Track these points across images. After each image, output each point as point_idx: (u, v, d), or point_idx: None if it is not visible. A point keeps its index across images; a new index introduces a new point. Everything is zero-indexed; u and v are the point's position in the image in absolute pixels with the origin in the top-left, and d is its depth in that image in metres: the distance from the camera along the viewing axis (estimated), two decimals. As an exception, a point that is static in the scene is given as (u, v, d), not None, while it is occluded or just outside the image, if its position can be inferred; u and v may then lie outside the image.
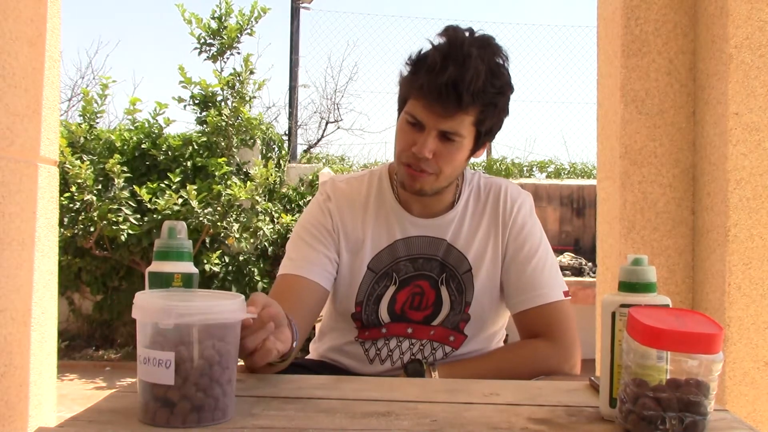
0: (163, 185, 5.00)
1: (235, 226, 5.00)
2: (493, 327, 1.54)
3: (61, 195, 4.42)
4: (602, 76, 2.38)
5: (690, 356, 0.85)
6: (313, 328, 1.63)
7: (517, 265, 1.48)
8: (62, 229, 4.76)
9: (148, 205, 4.88)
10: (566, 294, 1.47)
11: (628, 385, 0.88)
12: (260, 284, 5.31)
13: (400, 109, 1.44)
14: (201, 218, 4.83)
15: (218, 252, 5.21)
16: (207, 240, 5.21)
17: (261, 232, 5.17)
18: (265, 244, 5.40)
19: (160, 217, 4.81)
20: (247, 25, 5.20)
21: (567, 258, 4.95)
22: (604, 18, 2.36)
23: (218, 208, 4.90)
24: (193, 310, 0.88)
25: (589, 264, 4.85)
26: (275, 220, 5.39)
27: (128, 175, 4.99)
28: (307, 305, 1.42)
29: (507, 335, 1.62)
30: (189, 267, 1.10)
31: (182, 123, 6.82)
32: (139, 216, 4.96)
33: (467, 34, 1.36)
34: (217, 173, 5.02)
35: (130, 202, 4.93)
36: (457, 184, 1.52)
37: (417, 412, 1.00)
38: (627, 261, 0.98)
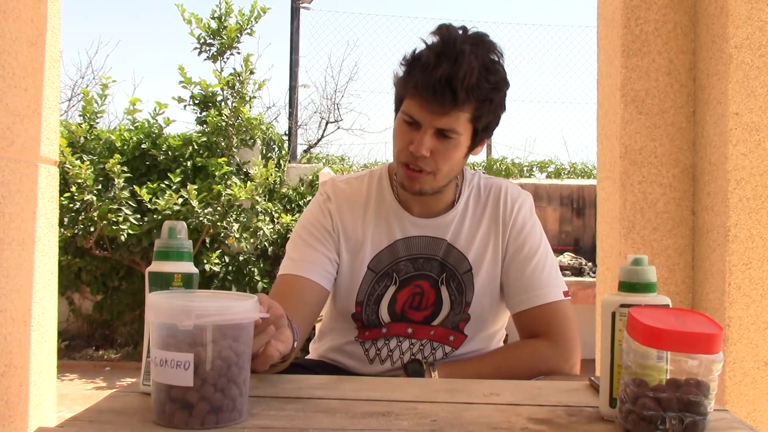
0: (163, 185, 5.00)
1: (235, 226, 5.00)
2: (493, 327, 1.55)
3: (61, 195, 4.42)
4: (602, 76, 2.38)
5: (690, 356, 0.85)
6: (313, 328, 1.63)
7: (517, 265, 1.48)
8: (62, 229, 4.76)
9: (148, 205, 4.88)
10: (566, 294, 1.47)
11: (628, 385, 0.88)
12: (260, 284, 5.31)
13: (396, 110, 1.44)
14: (201, 218, 4.83)
15: (218, 252, 5.21)
16: (207, 240, 5.21)
17: (261, 232, 5.17)
18: (265, 244, 5.40)
19: (160, 217, 4.81)
20: (247, 25, 5.20)
21: (567, 258, 4.95)
22: (604, 18, 2.36)
23: (218, 208, 4.90)
24: (212, 311, 0.88)
25: (589, 264, 4.85)
26: (275, 220, 5.39)
27: (128, 175, 4.99)
28: (307, 305, 1.42)
29: (507, 335, 1.62)
30: (189, 267, 1.09)
31: (182, 123, 6.82)
32: (139, 216, 4.96)
33: (460, 32, 1.36)
34: (217, 173, 5.02)
35: (130, 202, 4.93)
36: (457, 184, 1.52)
37: (417, 412, 1.00)
38: (627, 261, 0.98)
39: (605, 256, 2.34)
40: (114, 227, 4.82)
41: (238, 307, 0.91)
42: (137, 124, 5.46)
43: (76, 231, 4.88)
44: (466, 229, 1.50)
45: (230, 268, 5.35)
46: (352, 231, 1.51)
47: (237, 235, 5.01)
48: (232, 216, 4.99)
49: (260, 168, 4.99)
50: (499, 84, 1.37)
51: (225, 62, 5.25)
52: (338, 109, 8.20)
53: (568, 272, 4.78)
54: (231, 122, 5.17)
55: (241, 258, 5.39)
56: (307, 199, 5.57)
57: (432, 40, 1.36)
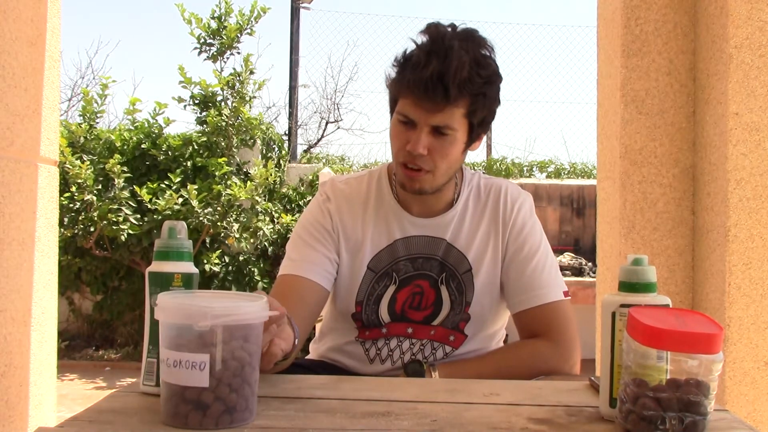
0: (163, 185, 5.00)
1: (235, 226, 5.00)
2: (493, 327, 1.55)
3: (61, 195, 4.42)
4: (602, 76, 2.38)
5: (690, 356, 0.85)
6: (314, 328, 1.63)
7: (517, 265, 1.48)
8: (62, 229, 4.76)
9: (148, 205, 4.88)
10: (566, 294, 1.47)
11: (628, 385, 0.88)
12: (260, 284, 5.31)
13: (391, 111, 1.44)
14: (201, 218, 4.83)
15: (218, 252, 5.21)
16: (207, 240, 5.21)
17: (261, 232, 5.17)
18: (265, 244, 5.40)
19: (160, 217, 4.81)
20: (247, 25, 5.19)
21: (567, 258, 4.95)
22: (604, 18, 2.36)
23: (218, 208, 4.90)
24: (228, 311, 0.88)
25: (589, 264, 4.85)
26: (275, 220, 5.39)
27: (128, 175, 4.99)
28: (307, 305, 1.42)
29: (507, 335, 1.62)
30: (189, 267, 1.10)
31: (182, 123, 6.82)
32: (139, 216, 4.96)
33: (449, 29, 1.37)
34: (217, 173, 5.02)
35: (130, 202, 4.93)
36: (456, 183, 1.52)
37: (417, 412, 1.00)
38: (627, 261, 0.98)
39: (605, 256, 2.34)
40: (114, 227, 4.82)
41: (251, 307, 0.92)
42: (137, 124, 5.46)
43: (76, 231, 4.88)
44: (466, 228, 1.50)
45: (230, 268, 5.35)
46: (352, 231, 1.51)
47: (237, 235, 5.02)
48: (232, 216, 4.99)
49: (260, 168, 4.99)
50: (492, 78, 1.37)
51: (225, 62, 5.26)
52: (338, 109, 8.21)
53: (568, 272, 4.78)
54: (231, 122, 5.17)
55: (241, 258, 5.39)
56: (307, 199, 5.57)
57: (421, 39, 1.36)
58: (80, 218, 4.87)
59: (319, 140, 8.12)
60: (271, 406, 1.01)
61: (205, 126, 5.24)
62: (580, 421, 0.98)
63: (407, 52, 1.38)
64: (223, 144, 5.24)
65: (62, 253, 4.94)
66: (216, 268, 5.18)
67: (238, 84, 5.15)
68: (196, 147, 5.36)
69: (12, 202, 1.71)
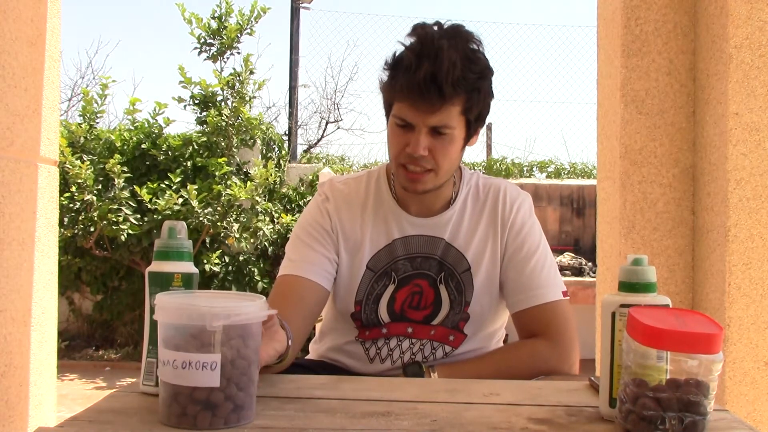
0: (163, 185, 5.00)
1: (235, 226, 5.00)
2: (492, 326, 1.55)
3: (61, 195, 4.42)
4: (602, 76, 2.38)
5: (690, 356, 0.85)
6: (314, 328, 1.63)
7: (515, 265, 1.48)
8: (62, 229, 4.76)
9: (148, 205, 4.88)
10: (565, 294, 1.48)
11: (628, 385, 0.88)
12: (260, 284, 5.31)
13: (387, 114, 1.45)
14: (201, 218, 4.83)
15: (218, 252, 5.21)
16: (207, 240, 5.21)
17: (261, 232, 5.17)
18: (265, 244, 5.40)
19: (160, 217, 4.81)
20: (247, 25, 5.20)
21: (567, 258, 4.95)
22: (604, 18, 2.36)
23: (218, 208, 4.90)
24: (233, 311, 0.89)
25: (589, 264, 4.85)
26: (275, 220, 5.39)
27: (128, 175, 4.99)
28: (307, 305, 1.42)
29: (507, 335, 1.62)
30: (189, 267, 1.10)
31: (182, 123, 6.83)
32: (139, 216, 4.96)
33: (435, 27, 1.37)
34: (217, 173, 5.02)
35: (130, 202, 4.93)
36: (454, 182, 1.52)
37: (417, 412, 1.00)
38: (627, 261, 0.98)
39: (605, 256, 2.34)
40: (114, 227, 4.82)
41: (253, 306, 0.92)
42: (137, 124, 5.46)
43: (76, 231, 4.88)
44: (465, 228, 1.51)
45: (230, 268, 5.35)
46: (351, 231, 1.51)
47: (237, 235, 5.02)
48: (232, 216, 4.99)
49: (260, 168, 4.99)
50: (484, 72, 1.38)
51: (225, 62, 5.26)
52: (338, 109, 8.21)
53: (568, 272, 4.78)
54: (231, 122, 5.17)
55: (241, 258, 5.39)
56: (307, 199, 5.57)
57: (409, 41, 1.36)
58: (80, 218, 4.87)
59: (319, 140, 8.13)
60: (271, 406, 1.01)
61: (205, 126, 5.24)
62: (580, 421, 0.98)
63: (397, 55, 1.38)
64: (223, 144, 5.24)
65: (62, 253, 4.94)
66: (216, 268, 5.18)
67: (238, 84, 5.15)
68: (196, 147, 5.36)
69: (12, 202, 1.71)
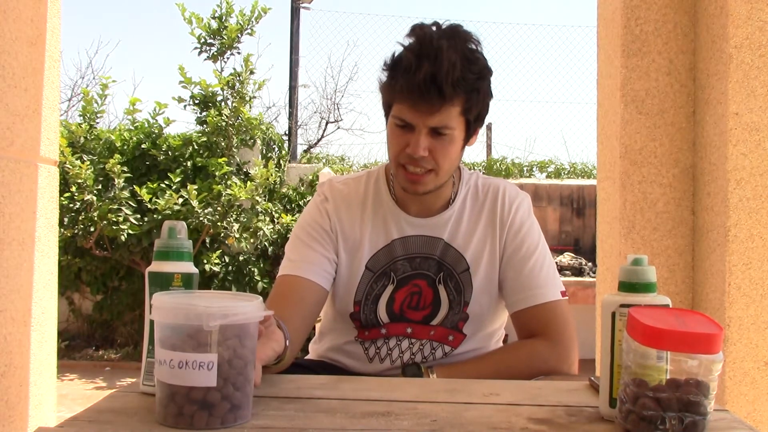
0: (163, 185, 5.00)
1: (235, 226, 5.00)
2: (491, 326, 1.55)
3: (61, 195, 4.42)
4: (602, 76, 2.38)
5: (690, 356, 0.85)
6: (313, 328, 1.63)
7: (514, 265, 1.48)
8: (62, 229, 4.76)
9: (148, 205, 4.88)
10: (563, 294, 1.48)
11: (628, 385, 0.88)
12: (260, 284, 5.31)
13: (386, 115, 1.45)
14: (201, 218, 4.83)
15: (218, 252, 5.21)
16: (207, 240, 5.21)
17: (261, 232, 5.17)
18: (265, 244, 5.40)
19: (160, 217, 4.81)
20: (248, 25, 5.20)
21: (567, 258, 4.95)
22: (604, 18, 2.36)
23: (218, 208, 4.90)
24: (236, 311, 0.90)
25: (589, 264, 4.85)
26: (275, 220, 5.39)
27: (128, 175, 4.99)
28: (307, 305, 1.42)
29: (507, 335, 1.62)
30: (189, 267, 1.10)
31: (182, 123, 6.83)
32: (139, 216, 4.96)
33: (434, 28, 1.37)
34: (217, 173, 5.02)
35: (130, 202, 4.93)
36: (453, 182, 1.52)
37: (417, 412, 1.00)
38: (627, 261, 0.98)
39: (605, 256, 2.34)
40: (114, 227, 4.82)
41: (250, 307, 0.93)
42: (137, 124, 5.46)
43: (76, 231, 4.88)
44: (464, 228, 1.51)
45: (230, 268, 5.35)
46: (350, 231, 1.51)
47: (237, 235, 5.01)
48: (232, 216, 4.99)
49: (260, 168, 4.99)
50: (483, 72, 1.38)
51: (225, 62, 5.26)
52: (338, 109, 8.21)
53: (568, 272, 4.78)
54: (231, 122, 5.17)
55: (241, 258, 5.39)
56: (307, 199, 5.57)
57: (409, 41, 1.36)
58: (80, 218, 4.87)
59: (319, 140, 8.13)
60: (271, 406, 1.01)
61: (205, 126, 5.24)
62: (580, 421, 0.98)
63: (396, 56, 1.38)
64: (223, 144, 5.24)
65: (62, 253, 4.94)
66: (216, 268, 5.18)
67: (238, 84, 5.15)
68: (196, 147, 5.36)
69: (12, 202, 1.71)
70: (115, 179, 4.86)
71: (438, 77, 1.30)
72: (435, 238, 1.50)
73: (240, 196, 4.86)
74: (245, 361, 0.91)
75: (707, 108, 2.07)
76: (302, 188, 5.70)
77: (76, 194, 4.80)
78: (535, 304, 1.45)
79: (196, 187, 4.84)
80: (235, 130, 5.21)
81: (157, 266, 1.08)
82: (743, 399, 1.92)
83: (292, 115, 6.77)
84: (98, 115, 5.30)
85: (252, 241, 5.17)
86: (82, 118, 5.29)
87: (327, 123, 8.16)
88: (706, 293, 2.05)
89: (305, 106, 8.05)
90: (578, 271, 4.81)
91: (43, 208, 1.87)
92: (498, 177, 4.25)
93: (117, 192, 4.88)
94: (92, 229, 4.87)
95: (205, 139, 5.32)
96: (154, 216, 4.86)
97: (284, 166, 5.86)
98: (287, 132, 6.76)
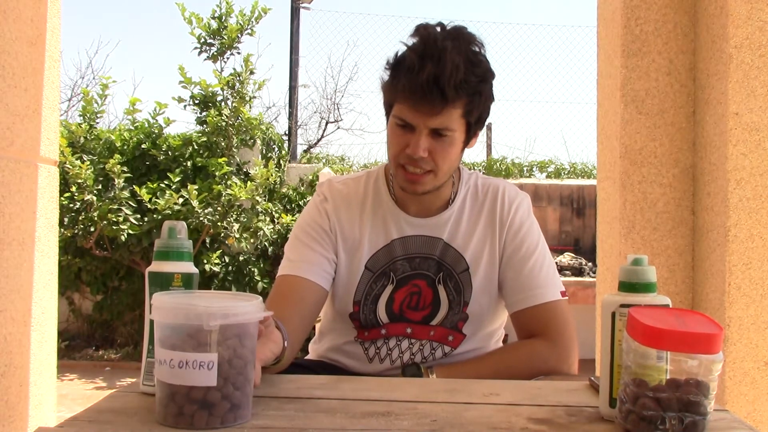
0: (163, 185, 5.00)
1: (236, 226, 5.00)
2: (491, 326, 1.55)
3: (61, 195, 4.42)
4: (602, 76, 2.38)
5: (690, 356, 0.85)
6: (313, 328, 1.63)
7: (514, 265, 1.48)
8: (62, 229, 4.76)
9: (148, 205, 4.88)
10: (563, 294, 1.48)
11: (628, 385, 0.88)
12: (260, 284, 5.31)
13: (387, 114, 1.44)
14: (201, 218, 4.83)
15: (218, 252, 5.20)
16: (207, 240, 5.21)
17: (261, 232, 5.16)
18: (265, 244, 5.40)
19: (160, 217, 4.81)
20: (248, 25, 5.19)
21: (567, 258, 4.95)
22: (604, 18, 2.36)
23: (218, 208, 4.90)
24: (236, 311, 0.90)
25: (589, 264, 4.85)
26: (275, 220, 5.39)
27: (128, 175, 4.99)
28: (307, 305, 1.42)
29: (507, 335, 1.62)
30: (189, 267, 1.10)
31: (182, 123, 6.83)
32: (139, 216, 4.96)
33: (438, 28, 1.37)
34: (217, 173, 5.02)
35: (130, 202, 4.93)
36: (453, 182, 1.52)
37: (417, 412, 1.00)
38: (627, 261, 0.98)
39: (605, 256, 2.34)
40: (114, 227, 4.82)
41: (250, 306, 0.93)
42: (137, 124, 5.46)
43: (76, 231, 4.88)
44: (463, 228, 1.51)
45: (230, 268, 5.35)
46: (350, 231, 1.51)
47: (237, 235, 5.01)
48: (232, 216, 4.99)
49: (260, 168, 4.99)
50: (485, 75, 1.38)
51: (225, 62, 5.26)
52: (338, 109, 8.21)
53: (568, 272, 4.78)
54: (231, 122, 5.17)
55: (241, 258, 5.39)
56: (307, 199, 5.57)
57: (412, 41, 1.36)
58: (80, 218, 4.87)
59: (319, 140, 8.13)
60: (271, 406, 1.01)
61: (205, 126, 5.24)
62: (580, 421, 0.98)
63: (399, 56, 1.38)
64: (223, 144, 5.24)
65: (62, 253, 4.94)
66: (216, 268, 5.18)
67: (238, 84, 5.15)
68: (196, 147, 5.36)
69: (12, 202, 1.71)
70: (115, 179, 4.86)
71: (441, 79, 1.30)
72: (434, 238, 1.50)
73: (240, 196, 4.86)
74: (245, 361, 0.91)
75: (707, 108, 2.07)
76: (302, 188, 5.70)
77: (76, 194, 4.80)
78: (534, 304, 1.45)
79: (196, 187, 4.84)
80: (235, 130, 5.21)
81: (157, 266, 1.08)
82: (743, 399, 1.92)
83: (292, 115, 6.77)
84: (98, 115, 5.30)
85: (252, 241, 5.17)
86: (82, 118, 5.29)
87: (327, 123, 8.17)
88: (706, 293, 2.05)
89: (305, 106, 8.06)
90: (578, 271, 4.81)
91: (43, 208, 1.87)
92: (498, 177, 4.25)
93: (117, 192, 4.88)
94: (92, 229, 4.87)
95: (205, 139, 5.32)
96: (154, 216, 4.86)
97: (284, 166, 5.86)
98: (287, 132, 6.76)
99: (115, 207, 4.86)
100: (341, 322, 1.53)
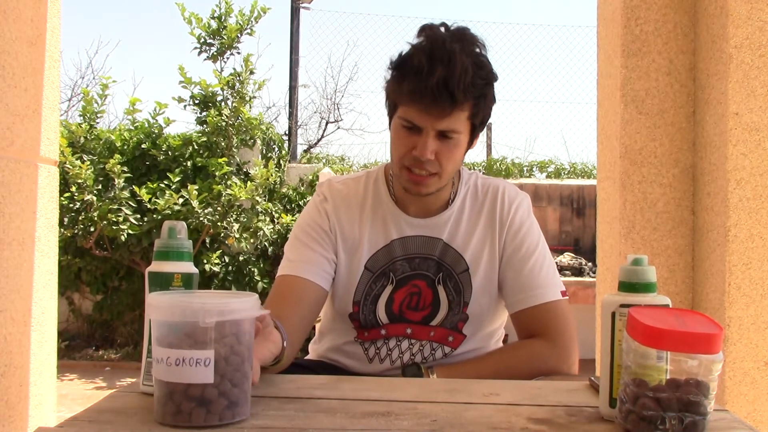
0: (163, 185, 5.00)
1: (236, 226, 5.00)
2: (491, 326, 1.55)
3: (61, 195, 4.42)
4: (602, 76, 2.38)
5: (690, 356, 0.85)
6: (313, 328, 1.63)
7: (514, 265, 1.48)
8: (62, 229, 4.76)
9: (148, 205, 4.88)
10: (563, 294, 1.47)
11: (628, 385, 0.88)
12: (260, 284, 5.31)
13: (390, 114, 1.44)
14: (201, 218, 4.83)
15: (218, 252, 5.21)
16: (207, 240, 5.21)
17: (261, 232, 5.17)
18: (265, 244, 5.40)
19: (160, 217, 4.81)
20: (247, 25, 5.19)
21: (567, 258, 4.95)
22: (604, 18, 2.36)
23: (218, 208, 4.90)
24: (232, 307, 0.90)
25: (589, 264, 4.85)
26: (275, 220, 5.39)
27: (128, 175, 5.00)
28: (306, 305, 1.42)
29: (507, 335, 1.62)
30: (189, 267, 1.10)
31: (182, 123, 6.83)
32: (139, 216, 4.96)
33: (442, 29, 1.36)
34: (217, 173, 5.02)
35: (130, 202, 4.93)
36: (453, 183, 1.52)
37: (417, 412, 1.00)
38: (627, 261, 0.98)
39: (605, 256, 2.34)
40: (114, 227, 4.82)
41: (246, 303, 0.93)
42: (137, 124, 5.46)
43: (76, 231, 4.88)
44: (463, 228, 1.50)
45: (230, 268, 5.35)
46: (349, 231, 1.51)
47: (237, 235, 5.02)
48: (232, 216, 4.99)
49: (260, 168, 4.99)
50: (490, 77, 1.38)
51: (225, 62, 5.26)
52: (338, 109, 8.21)
53: (568, 272, 4.78)
54: (231, 122, 5.17)
55: (241, 258, 5.39)
56: (307, 199, 5.57)
57: (418, 41, 1.35)
58: (80, 218, 4.87)
59: (319, 140, 8.13)
60: (271, 406, 1.01)
61: (205, 126, 5.24)
62: (580, 421, 0.98)
63: (404, 56, 1.37)
64: (223, 144, 5.24)
65: (62, 253, 4.94)
66: (216, 268, 5.18)
67: (238, 84, 5.15)
68: (196, 147, 5.36)
69: (12, 202, 1.71)
70: (115, 179, 4.86)
71: (450, 82, 1.29)
72: (434, 239, 1.50)
73: (240, 196, 4.86)
74: (242, 358, 0.91)
75: (707, 108, 2.07)
76: (302, 188, 5.70)
77: (76, 194, 4.80)
78: (535, 305, 1.44)
79: (196, 187, 4.84)
80: (235, 130, 5.21)
81: (157, 266, 1.08)
82: (743, 399, 1.92)
83: (292, 115, 6.77)
84: (98, 115, 5.30)
85: (252, 241, 5.17)
86: (82, 118, 5.29)
87: (327, 123, 8.17)
88: (706, 293, 2.05)
89: (305, 106, 8.06)
90: (578, 271, 4.81)
91: (43, 208, 1.87)
92: (498, 177, 4.25)
93: (117, 192, 4.88)
94: (92, 229, 4.87)
95: (205, 139, 5.32)
96: (154, 216, 4.86)
97: (284, 166, 5.86)
98: (287, 132, 6.76)
99: (115, 207, 4.86)
100: (341, 323, 1.53)
